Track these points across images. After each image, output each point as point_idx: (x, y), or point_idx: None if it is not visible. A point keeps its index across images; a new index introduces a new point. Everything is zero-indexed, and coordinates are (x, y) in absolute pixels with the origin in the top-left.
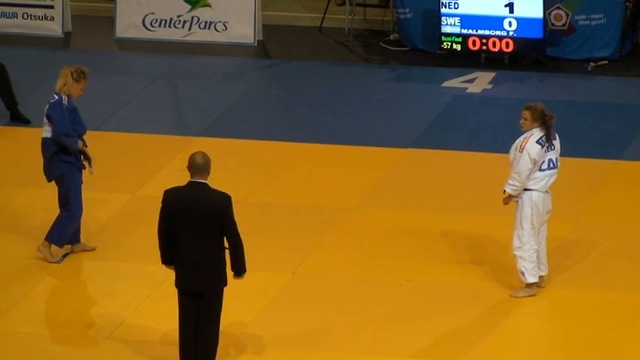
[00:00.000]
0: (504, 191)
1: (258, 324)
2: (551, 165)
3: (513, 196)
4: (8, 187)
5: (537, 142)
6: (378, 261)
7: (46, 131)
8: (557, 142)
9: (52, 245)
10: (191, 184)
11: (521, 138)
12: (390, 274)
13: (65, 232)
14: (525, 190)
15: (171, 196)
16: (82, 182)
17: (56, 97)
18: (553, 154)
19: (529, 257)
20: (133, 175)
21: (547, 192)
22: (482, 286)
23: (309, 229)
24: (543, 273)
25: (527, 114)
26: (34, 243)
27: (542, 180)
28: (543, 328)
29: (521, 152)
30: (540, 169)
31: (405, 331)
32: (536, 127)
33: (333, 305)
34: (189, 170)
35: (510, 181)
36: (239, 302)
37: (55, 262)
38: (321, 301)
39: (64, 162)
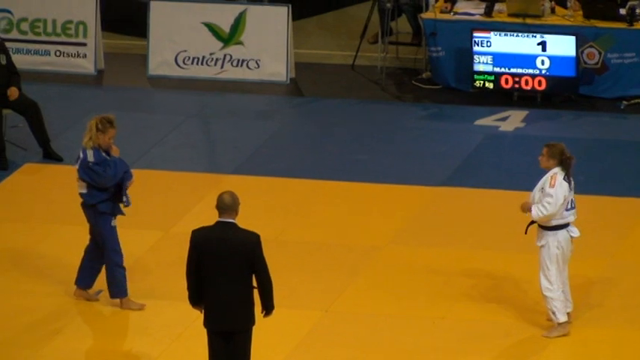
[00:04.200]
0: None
1: None
2: (573, 205)
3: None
4: (41, 224)
5: (564, 179)
6: (411, 299)
7: (81, 187)
8: (573, 183)
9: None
10: (220, 224)
11: (547, 177)
12: (423, 312)
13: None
14: (550, 230)
15: (200, 236)
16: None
17: (81, 155)
18: (572, 195)
19: (558, 297)
20: (165, 212)
21: (571, 232)
22: (515, 325)
23: (342, 267)
24: (569, 309)
25: (544, 150)
26: (68, 279)
27: (567, 218)
28: None
29: (553, 187)
30: (566, 209)
31: None
32: (554, 166)
33: (366, 343)
34: (217, 210)
35: (537, 212)
36: (271, 341)
37: (95, 300)
38: (353, 339)
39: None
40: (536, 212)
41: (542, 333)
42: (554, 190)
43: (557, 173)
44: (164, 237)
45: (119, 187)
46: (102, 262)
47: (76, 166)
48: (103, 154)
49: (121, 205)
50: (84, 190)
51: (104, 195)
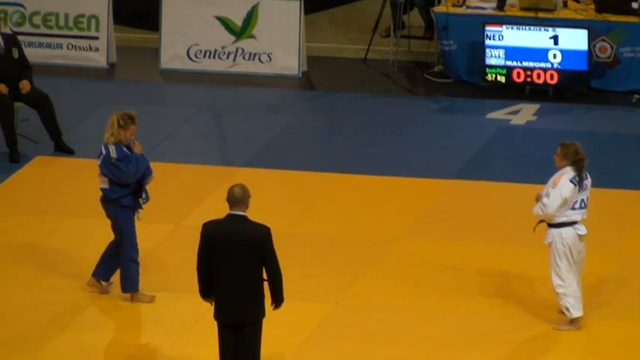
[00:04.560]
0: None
1: (300, 355)
2: (582, 205)
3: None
4: (52, 216)
5: (571, 180)
6: (421, 292)
7: (103, 182)
8: (588, 182)
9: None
10: (230, 217)
11: (556, 175)
12: (433, 305)
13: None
14: (555, 227)
15: (210, 229)
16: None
17: (104, 150)
18: (584, 194)
19: (572, 292)
20: (176, 205)
21: (577, 230)
22: (525, 319)
23: (352, 260)
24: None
25: (559, 150)
26: (77, 272)
27: (572, 217)
28: None
29: (554, 188)
30: (572, 208)
31: None
32: (567, 165)
33: (376, 336)
34: (228, 203)
35: (537, 209)
36: (281, 333)
37: (106, 292)
38: (363, 332)
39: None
40: (536, 210)
41: (552, 327)
42: (554, 190)
43: (565, 173)
44: (175, 230)
45: (140, 182)
46: None
47: (98, 162)
48: (125, 149)
49: (140, 201)
50: (106, 186)
51: (126, 190)
